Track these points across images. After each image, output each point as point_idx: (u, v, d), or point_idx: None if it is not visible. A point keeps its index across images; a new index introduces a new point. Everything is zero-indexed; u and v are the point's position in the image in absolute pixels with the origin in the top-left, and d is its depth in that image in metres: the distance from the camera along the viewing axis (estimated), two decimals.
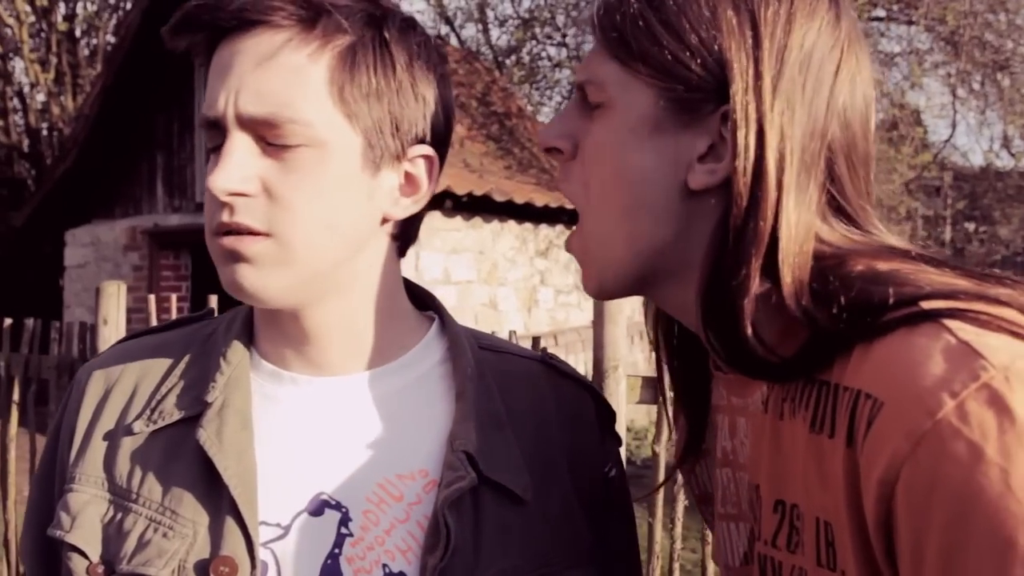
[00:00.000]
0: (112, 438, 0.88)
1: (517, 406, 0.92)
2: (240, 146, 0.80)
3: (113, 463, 0.87)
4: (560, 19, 12.16)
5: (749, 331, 0.69)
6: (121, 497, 0.85)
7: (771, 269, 0.69)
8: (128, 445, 0.87)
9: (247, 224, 0.80)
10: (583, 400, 0.99)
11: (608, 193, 0.76)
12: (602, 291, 0.82)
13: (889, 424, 0.59)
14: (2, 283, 11.41)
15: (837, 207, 0.72)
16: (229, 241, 0.81)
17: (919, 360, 0.60)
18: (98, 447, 0.88)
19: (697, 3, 0.72)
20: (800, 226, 0.69)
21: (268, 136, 0.80)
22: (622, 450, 1.06)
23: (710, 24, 0.71)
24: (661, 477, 2.51)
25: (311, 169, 0.81)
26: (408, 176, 0.88)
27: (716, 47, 0.70)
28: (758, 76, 0.69)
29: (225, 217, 0.80)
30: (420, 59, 0.87)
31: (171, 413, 0.87)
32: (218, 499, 0.82)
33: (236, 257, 0.81)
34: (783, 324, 0.70)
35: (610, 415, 1.01)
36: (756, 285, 0.69)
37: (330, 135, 0.81)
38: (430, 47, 0.89)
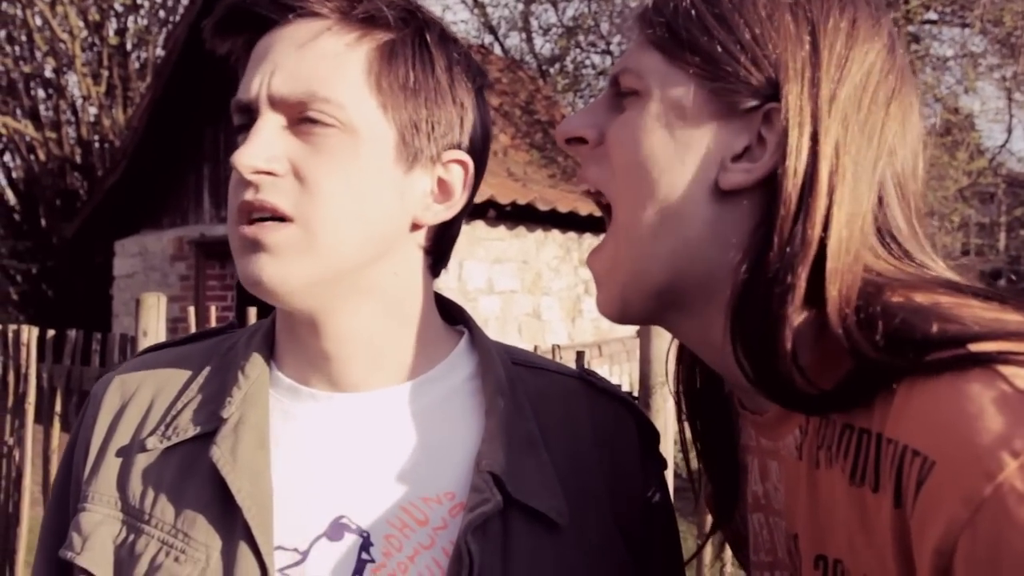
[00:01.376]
0: (126, 454, 0.85)
1: (552, 425, 0.87)
2: (270, 125, 0.78)
3: (127, 481, 0.83)
4: (604, 27, 12.10)
5: (789, 345, 0.64)
6: (134, 517, 0.81)
7: (815, 286, 0.64)
8: (142, 462, 0.84)
9: (272, 203, 0.77)
10: (624, 419, 0.93)
11: (633, 182, 0.73)
12: (623, 310, 0.77)
13: (943, 487, 0.53)
14: (55, 293, 11.65)
15: (887, 233, 0.68)
16: (250, 230, 0.78)
17: (973, 413, 0.54)
18: (112, 464, 0.85)
19: (754, 4, 0.69)
20: (852, 240, 0.65)
21: (299, 116, 0.78)
22: (669, 465, 0.98)
23: (766, 24, 0.68)
24: None
25: (342, 154, 0.78)
26: (441, 182, 0.85)
27: (770, 46, 0.68)
28: (815, 82, 0.67)
29: (249, 195, 0.78)
30: (459, 67, 0.85)
31: (186, 429, 0.84)
32: (232, 522, 0.78)
33: (256, 247, 0.78)
34: (823, 352, 0.65)
35: (653, 435, 0.95)
36: (802, 293, 0.64)
37: (363, 122, 0.79)
38: (471, 61, 0.87)
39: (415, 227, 0.84)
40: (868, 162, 0.67)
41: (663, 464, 0.95)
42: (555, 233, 8.47)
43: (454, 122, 0.84)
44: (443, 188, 0.85)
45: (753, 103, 0.68)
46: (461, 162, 0.85)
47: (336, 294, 0.81)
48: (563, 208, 8.01)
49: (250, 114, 0.80)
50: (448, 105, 0.83)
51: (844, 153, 0.66)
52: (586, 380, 0.94)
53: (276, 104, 0.78)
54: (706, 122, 0.70)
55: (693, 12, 0.71)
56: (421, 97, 0.81)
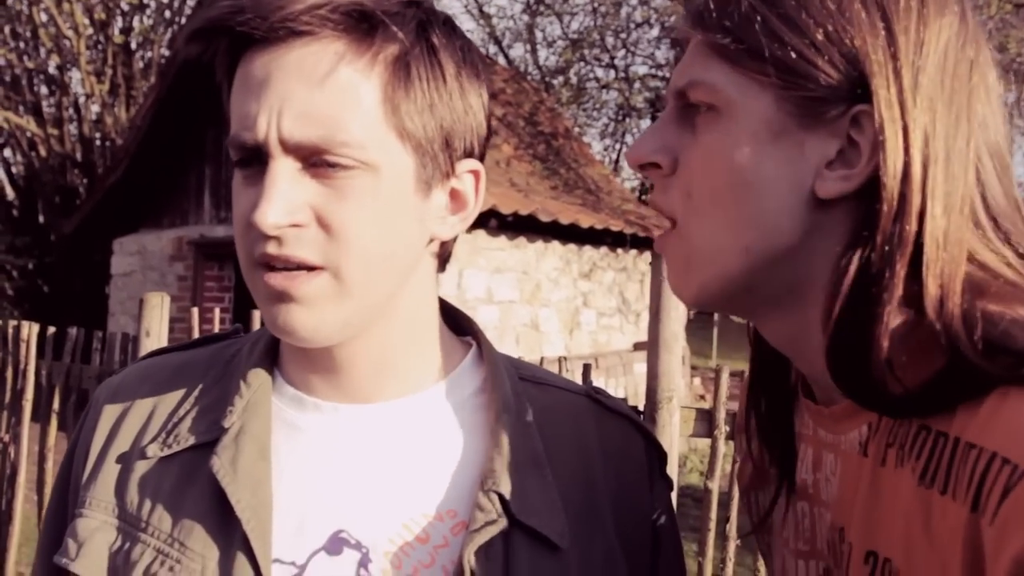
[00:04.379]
0: (126, 461, 0.83)
1: (558, 444, 0.86)
2: (285, 173, 0.73)
3: (125, 488, 0.82)
4: (609, 40, 12.14)
5: (884, 347, 0.63)
6: (130, 525, 0.80)
7: (914, 283, 0.63)
8: (141, 469, 0.82)
9: (299, 257, 0.73)
10: (632, 439, 0.91)
11: (723, 204, 0.70)
12: (701, 300, 0.74)
13: None
14: (51, 289, 11.62)
15: (986, 213, 0.66)
16: (278, 281, 0.74)
17: None
18: (111, 470, 0.83)
19: None
20: (951, 230, 0.63)
21: (316, 158, 0.73)
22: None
23: (837, 18, 0.65)
24: (713, 513, 2.42)
25: (365, 195, 0.74)
26: (454, 192, 0.83)
27: (847, 41, 0.65)
28: (897, 72, 0.64)
29: (272, 249, 0.73)
30: (467, 64, 0.81)
31: (186, 438, 0.82)
32: (230, 533, 0.77)
33: (286, 298, 0.75)
34: (909, 351, 0.64)
35: (661, 456, 0.93)
36: (900, 291, 0.63)
37: (383, 157, 0.75)
38: (473, 49, 0.83)
39: (430, 241, 0.83)
40: (961, 143, 0.65)
41: (670, 485, 0.93)
42: (555, 244, 8.47)
43: (466, 131, 0.81)
44: (456, 197, 0.83)
45: (839, 108, 0.66)
46: (473, 171, 0.83)
47: (362, 325, 0.79)
48: (564, 220, 8.01)
49: (256, 154, 0.74)
50: (460, 115, 0.80)
51: (934, 139, 0.64)
52: (593, 398, 0.92)
53: (289, 148, 0.73)
54: (793, 133, 0.67)
55: (758, 17, 0.67)
56: (436, 114, 0.78)
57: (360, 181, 0.74)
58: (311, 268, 0.74)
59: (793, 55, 0.66)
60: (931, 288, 0.62)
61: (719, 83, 0.69)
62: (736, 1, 0.69)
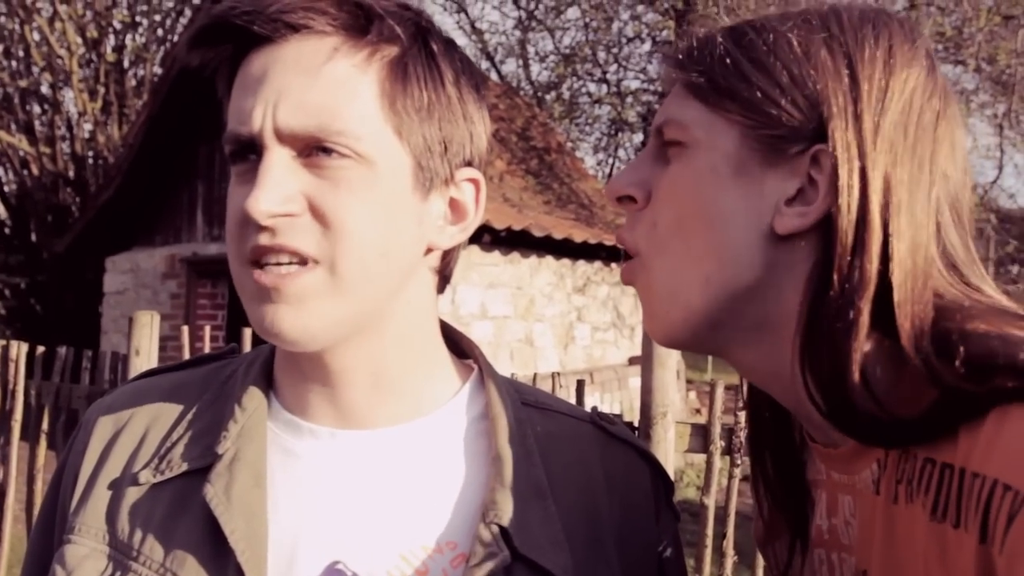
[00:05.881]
0: (117, 487, 0.81)
1: (561, 473, 0.83)
2: (279, 162, 0.72)
3: (116, 515, 0.79)
4: (601, 55, 12.18)
5: (857, 378, 0.64)
6: (122, 553, 0.77)
7: (884, 317, 0.64)
8: (132, 496, 0.80)
9: (293, 246, 0.71)
10: (637, 469, 0.89)
11: (685, 233, 0.72)
12: (670, 338, 0.76)
13: None
14: (43, 308, 11.57)
15: (946, 260, 0.68)
16: (268, 278, 0.72)
17: None
18: (101, 496, 0.81)
19: (788, 43, 0.69)
20: (917, 269, 0.65)
21: (310, 147, 0.72)
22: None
23: (803, 62, 0.68)
24: (710, 530, 2.41)
25: (360, 187, 0.73)
26: (453, 202, 0.81)
27: (810, 84, 0.68)
28: (858, 116, 0.67)
29: (264, 240, 0.71)
30: (465, 75, 0.81)
31: (179, 464, 0.80)
32: (224, 564, 0.74)
33: (274, 296, 0.72)
34: (907, 383, 0.64)
35: (667, 486, 0.91)
36: (866, 328, 0.64)
37: (380, 151, 0.74)
38: (472, 66, 0.83)
39: (428, 251, 0.81)
40: (923, 189, 0.67)
41: (677, 517, 0.91)
42: (549, 260, 8.46)
43: (465, 139, 0.80)
44: (456, 208, 0.82)
45: (799, 147, 0.68)
46: (473, 180, 0.82)
47: (353, 332, 0.77)
48: (558, 235, 8.01)
49: (251, 147, 0.73)
50: (459, 121, 0.79)
51: (897, 183, 0.66)
52: (598, 424, 0.90)
53: (284, 138, 0.72)
54: (755, 170, 0.70)
55: (728, 60, 0.71)
56: (435, 118, 0.77)
57: (355, 173, 0.73)
58: (304, 261, 0.72)
59: (759, 95, 0.69)
60: (904, 326, 0.64)
61: (689, 120, 0.73)
62: (713, 43, 0.72)
